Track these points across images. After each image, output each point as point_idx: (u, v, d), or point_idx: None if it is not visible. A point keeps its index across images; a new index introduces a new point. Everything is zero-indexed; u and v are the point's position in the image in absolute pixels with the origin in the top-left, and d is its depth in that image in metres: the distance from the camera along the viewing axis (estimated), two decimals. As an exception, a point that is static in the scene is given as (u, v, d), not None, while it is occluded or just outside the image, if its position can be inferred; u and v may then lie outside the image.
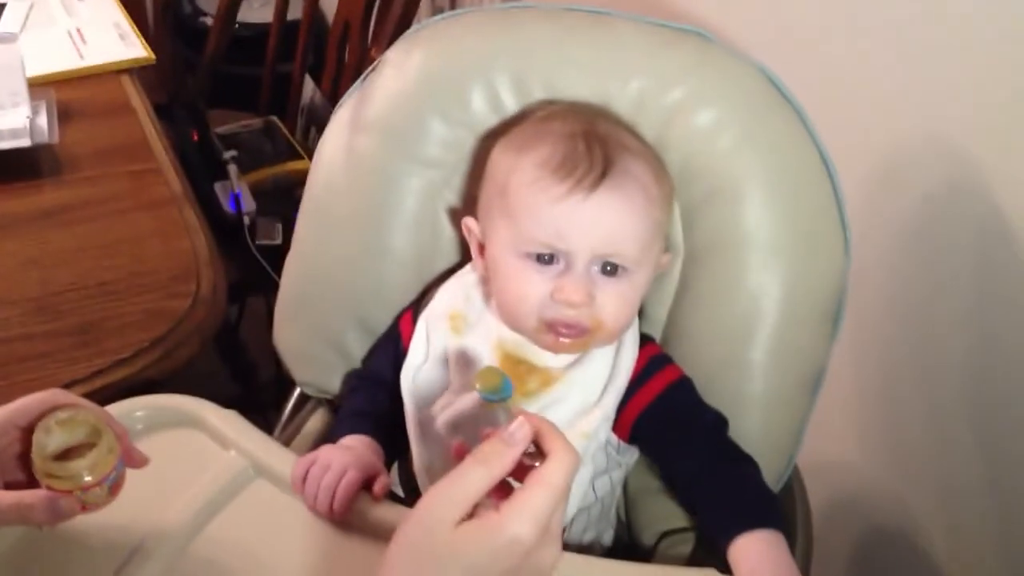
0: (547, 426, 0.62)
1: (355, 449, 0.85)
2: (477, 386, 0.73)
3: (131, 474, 0.79)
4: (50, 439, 0.71)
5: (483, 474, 0.60)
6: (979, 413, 1.00)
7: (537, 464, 0.61)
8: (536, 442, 0.62)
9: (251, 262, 1.60)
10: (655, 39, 0.88)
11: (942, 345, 1.02)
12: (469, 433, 0.86)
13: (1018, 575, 1.00)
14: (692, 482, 0.85)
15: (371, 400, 0.93)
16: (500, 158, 0.86)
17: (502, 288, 0.85)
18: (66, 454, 0.72)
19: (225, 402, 1.59)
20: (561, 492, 0.60)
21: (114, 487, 0.73)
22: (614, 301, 0.81)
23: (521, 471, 0.61)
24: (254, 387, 1.80)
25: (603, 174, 0.79)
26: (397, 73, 0.93)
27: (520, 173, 0.82)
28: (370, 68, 0.96)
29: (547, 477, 0.59)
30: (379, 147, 0.93)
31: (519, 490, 0.60)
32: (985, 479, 1.00)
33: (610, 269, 0.81)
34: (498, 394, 0.77)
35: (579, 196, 0.79)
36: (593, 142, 0.81)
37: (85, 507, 0.72)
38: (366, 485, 0.82)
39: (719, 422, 0.86)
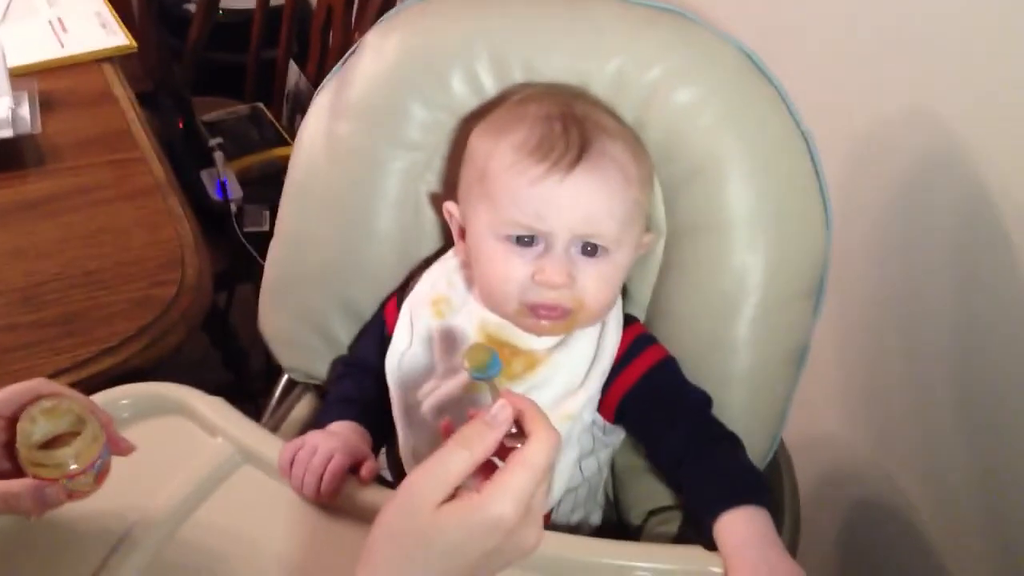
0: (529, 406, 0.62)
1: (342, 434, 0.86)
2: (465, 363, 0.73)
3: (118, 462, 0.80)
4: (35, 428, 0.72)
5: (465, 456, 0.60)
6: (963, 387, 1.00)
7: (519, 445, 0.61)
8: (518, 423, 0.62)
9: (239, 249, 1.60)
10: (634, 18, 0.88)
11: (925, 321, 1.03)
12: (455, 417, 0.86)
13: (1004, 545, 1.00)
14: (677, 461, 0.85)
15: (358, 386, 0.93)
16: (478, 142, 0.86)
17: (483, 272, 0.85)
18: (51, 443, 0.72)
19: (216, 389, 1.60)
20: (542, 472, 0.60)
21: (100, 475, 0.74)
22: (595, 282, 0.82)
23: (504, 452, 0.61)
24: (245, 374, 1.80)
25: (580, 155, 0.79)
26: (376, 56, 0.93)
27: (498, 157, 0.82)
28: (349, 52, 0.96)
29: (528, 457, 0.60)
30: (360, 131, 0.93)
31: (500, 471, 0.60)
32: (970, 452, 1.01)
33: (590, 249, 0.81)
34: (486, 371, 0.77)
35: (557, 177, 0.79)
36: (570, 123, 0.81)
37: (71, 495, 0.72)
38: (353, 469, 0.82)
39: (703, 401, 0.87)
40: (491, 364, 0.75)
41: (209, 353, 1.82)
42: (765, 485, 0.84)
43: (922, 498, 1.09)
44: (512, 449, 0.61)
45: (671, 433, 0.85)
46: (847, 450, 1.17)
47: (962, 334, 0.99)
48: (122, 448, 0.77)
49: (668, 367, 0.87)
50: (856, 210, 1.05)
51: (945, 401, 1.02)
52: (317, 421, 0.92)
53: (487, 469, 0.62)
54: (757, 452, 0.90)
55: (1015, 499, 0.97)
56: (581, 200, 0.80)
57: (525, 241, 0.81)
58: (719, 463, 0.83)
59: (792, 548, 0.91)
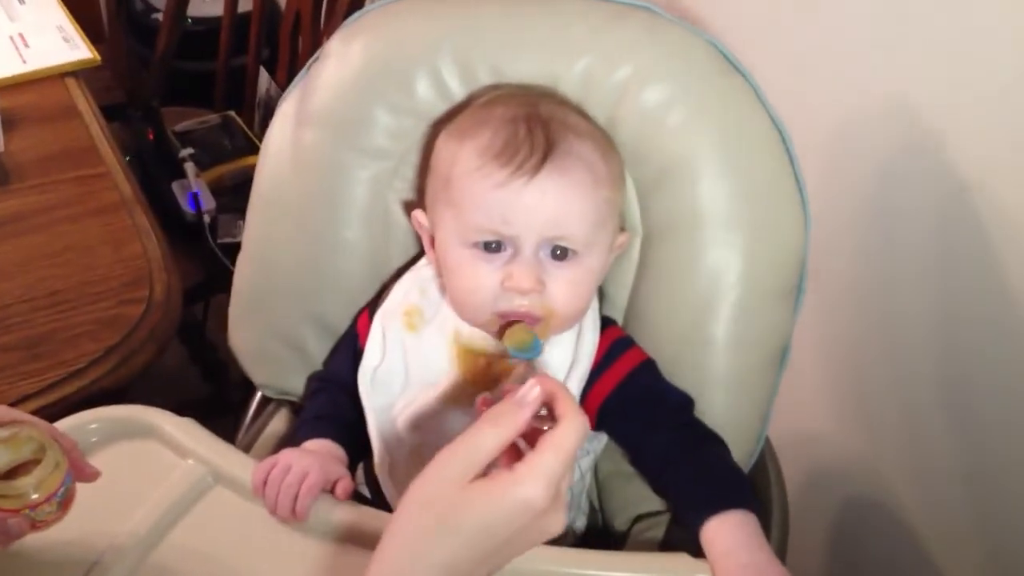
0: (560, 390, 0.63)
1: (316, 452, 0.84)
2: (507, 344, 0.73)
3: (87, 488, 0.78)
4: None
5: (495, 434, 0.61)
6: (945, 381, 0.99)
7: (546, 428, 0.62)
8: (547, 405, 0.63)
9: (214, 260, 1.57)
10: (601, 15, 0.86)
11: (907, 316, 1.02)
12: (433, 432, 0.84)
13: (992, 539, 1.00)
14: (661, 466, 0.83)
15: (332, 402, 0.91)
16: (443, 147, 0.84)
17: (452, 282, 0.83)
18: (14, 472, 0.70)
19: (196, 403, 1.58)
20: (571, 456, 0.61)
21: (64, 503, 0.72)
22: (565, 287, 0.80)
23: (532, 434, 0.62)
24: (225, 386, 1.78)
25: (545, 156, 0.78)
26: (339, 63, 0.91)
27: (462, 162, 0.80)
28: (312, 59, 0.94)
29: (559, 440, 0.60)
30: (325, 139, 0.91)
31: (531, 453, 0.60)
32: (955, 445, 1.00)
33: (560, 253, 0.80)
34: (529, 352, 0.77)
35: (522, 179, 0.77)
36: (535, 125, 0.79)
37: (35, 525, 0.70)
38: (328, 488, 0.81)
39: (685, 402, 0.85)
40: (533, 346, 0.75)
41: (188, 367, 1.80)
42: (751, 488, 0.82)
43: (910, 494, 1.08)
44: (539, 431, 0.62)
45: (654, 437, 0.83)
46: (834, 448, 1.16)
47: (943, 328, 0.98)
48: (87, 474, 0.76)
49: (647, 370, 0.86)
50: (835, 205, 1.04)
51: (929, 395, 1.01)
52: (292, 439, 0.90)
53: (512, 451, 0.62)
54: (741, 453, 0.89)
55: (1002, 493, 0.97)
56: (548, 202, 0.78)
57: (492, 247, 0.80)
58: (704, 466, 0.81)
59: (781, 549, 0.90)
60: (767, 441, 0.94)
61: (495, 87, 0.88)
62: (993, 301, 0.91)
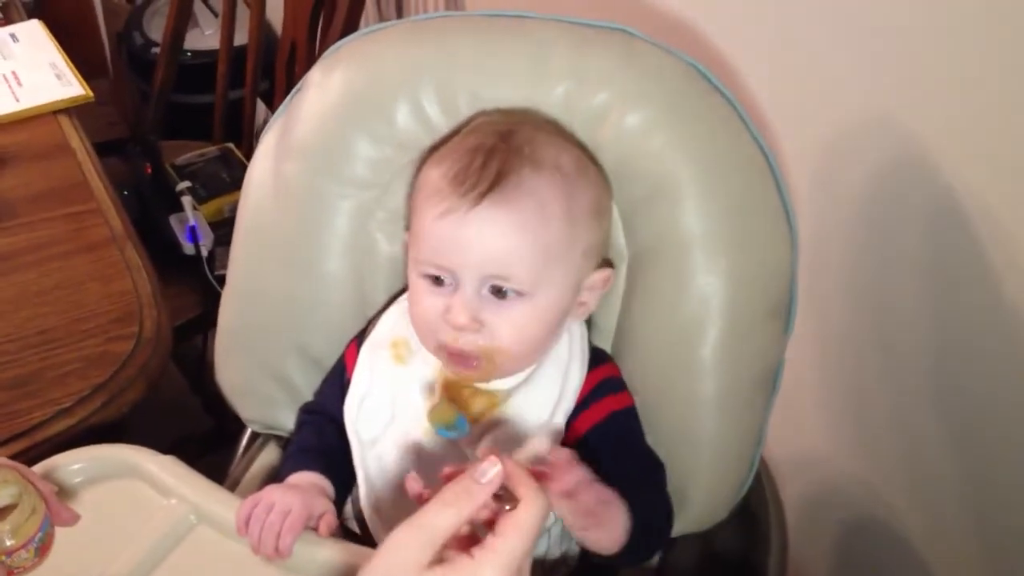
0: (515, 468, 0.61)
1: (300, 487, 0.83)
2: (431, 422, 0.71)
3: (69, 531, 0.77)
4: None
5: (452, 514, 0.58)
6: (942, 395, 0.98)
7: (508, 507, 0.59)
8: (504, 484, 0.61)
9: (212, 293, 1.57)
10: (577, 39, 0.85)
11: (902, 329, 1.00)
12: (419, 466, 0.83)
13: (994, 557, 0.98)
14: None
15: (318, 434, 0.90)
16: (420, 171, 0.84)
17: (410, 309, 0.83)
18: None
19: (197, 435, 1.57)
20: (533, 536, 0.59)
21: (42, 548, 0.71)
22: (507, 326, 0.78)
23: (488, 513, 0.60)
24: (226, 418, 1.77)
25: (489, 189, 0.76)
26: (319, 94, 0.90)
27: (421, 189, 0.80)
28: (294, 90, 0.93)
29: (521, 522, 0.58)
30: (306, 171, 0.90)
31: (491, 536, 0.58)
32: (955, 464, 0.99)
33: (501, 292, 0.78)
34: (453, 430, 0.75)
35: (460, 213, 0.76)
36: (495, 155, 0.78)
37: (11, 572, 0.70)
38: (313, 523, 0.79)
39: (655, 468, 0.84)
40: (456, 424, 0.74)
41: (189, 399, 1.80)
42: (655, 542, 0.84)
43: (910, 515, 1.06)
44: (497, 510, 0.60)
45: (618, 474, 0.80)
46: (833, 470, 1.15)
47: (938, 342, 0.96)
48: (66, 518, 0.75)
49: (621, 420, 0.84)
50: (826, 224, 1.03)
51: (927, 414, 1.00)
52: (278, 474, 0.89)
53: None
54: (734, 478, 0.88)
55: (1003, 510, 0.95)
56: (485, 238, 0.76)
57: (438, 280, 0.79)
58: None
59: (780, 572, 0.89)
60: (764, 463, 0.93)
61: (486, 112, 0.87)
62: (989, 315, 0.90)
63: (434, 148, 0.87)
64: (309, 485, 0.84)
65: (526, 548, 0.58)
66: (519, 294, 0.78)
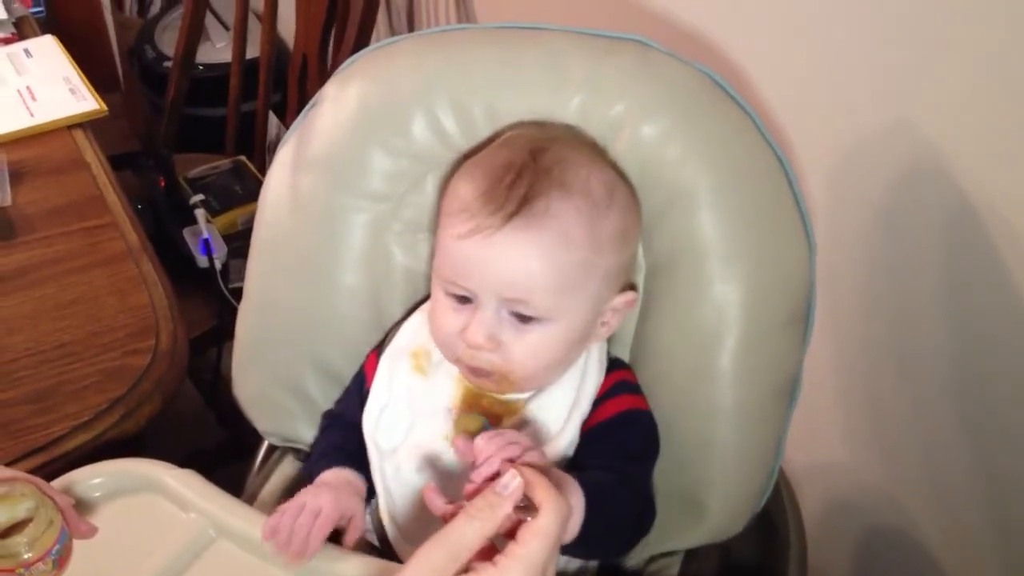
0: (533, 475, 0.62)
1: (331, 485, 0.83)
2: (458, 431, 0.71)
3: (89, 544, 0.77)
4: None
5: (476, 528, 0.60)
6: (961, 403, 0.98)
7: (529, 518, 0.61)
8: (525, 493, 0.62)
9: (226, 306, 1.57)
10: (593, 50, 0.85)
11: (919, 337, 1.00)
12: (437, 476, 0.83)
13: (1012, 560, 0.97)
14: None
15: (343, 437, 0.90)
16: (450, 181, 0.84)
17: (430, 320, 0.83)
18: (8, 531, 0.70)
19: (212, 448, 1.58)
20: (555, 541, 0.60)
21: (60, 560, 0.71)
22: (524, 349, 0.78)
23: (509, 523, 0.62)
24: (241, 431, 1.77)
25: (515, 212, 0.75)
26: (334, 107, 0.91)
27: (448, 203, 0.80)
28: (309, 104, 0.94)
29: (542, 528, 0.60)
30: (322, 184, 0.90)
31: (513, 543, 0.60)
32: (971, 468, 0.98)
33: (520, 317, 0.78)
34: None
35: (484, 234, 0.76)
36: (523, 175, 0.77)
37: None
38: (337, 534, 0.80)
39: (633, 465, 0.83)
40: (484, 430, 0.74)
41: (203, 412, 1.80)
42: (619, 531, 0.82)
43: (928, 522, 1.06)
44: (518, 521, 0.61)
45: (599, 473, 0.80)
46: (851, 478, 1.14)
47: (955, 349, 0.96)
48: (83, 531, 0.75)
49: (638, 421, 0.84)
50: (843, 231, 1.03)
51: (945, 421, 0.99)
52: (308, 476, 0.89)
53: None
54: (753, 488, 0.87)
55: (1021, 512, 0.94)
56: (508, 263, 0.76)
57: (459, 298, 0.79)
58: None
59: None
60: (782, 472, 0.92)
61: (523, 124, 0.86)
62: (1007, 322, 0.90)
63: (467, 156, 0.87)
64: (343, 483, 0.84)
65: (548, 553, 0.59)
66: (537, 319, 0.78)
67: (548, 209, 0.76)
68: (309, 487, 0.82)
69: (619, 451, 0.82)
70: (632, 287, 0.86)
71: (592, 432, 0.83)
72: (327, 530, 0.78)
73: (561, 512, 0.61)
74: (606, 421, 0.83)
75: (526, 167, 0.78)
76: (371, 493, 0.88)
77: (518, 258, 0.76)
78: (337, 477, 0.85)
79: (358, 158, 0.89)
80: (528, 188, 0.76)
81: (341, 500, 0.80)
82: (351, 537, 0.81)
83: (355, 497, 0.83)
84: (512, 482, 0.62)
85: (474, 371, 0.81)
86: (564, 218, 0.76)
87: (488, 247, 0.76)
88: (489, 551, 0.61)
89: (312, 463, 0.91)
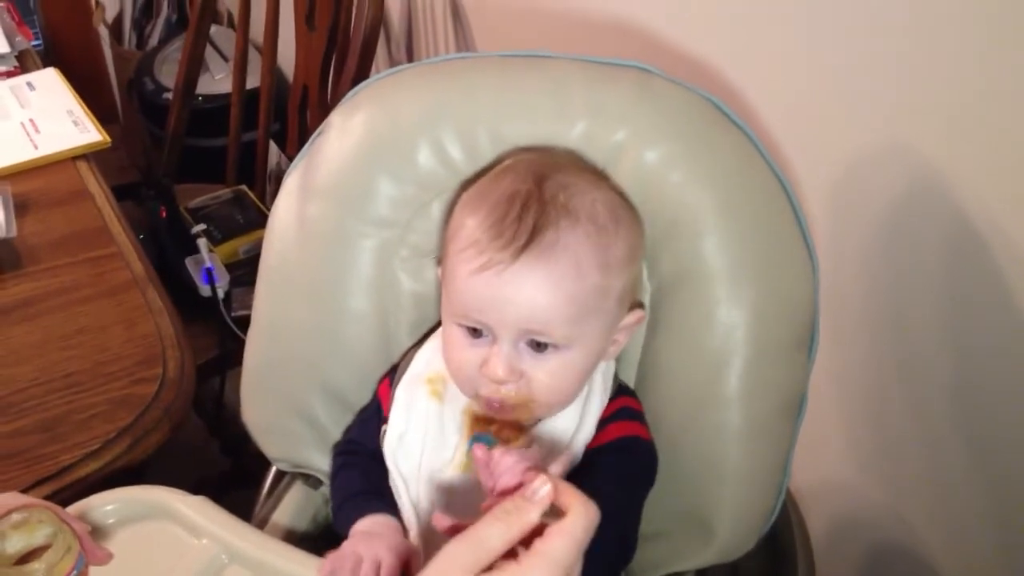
0: (562, 482, 0.61)
1: (380, 533, 0.82)
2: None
3: (104, 571, 0.78)
4: (7, 544, 0.71)
5: (503, 529, 0.59)
6: (965, 419, 0.98)
7: (552, 523, 0.60)
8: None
9: (229, 334, 1.58)
10: (595, 77, 0.86)
11: (922, 353, 1.01)
12: (451, 501, 0.84)
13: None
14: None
15: (366, 475, 0.89)
16: (453, 214, 0.84)
17: (445, 355, 0.84)
18: (29, 556, 0.71)
19: (216, 476, 1.57)
20: (581, 544, 0.59)
21: None
22: (545, 377, 0.79)
23: (536, 530, 0.61)
24: (244, 459, 1.78)
25: (526, 244, 0.76)
26: (341, 136, 0.92)
27: (457, 239, 0.80)
28: (315, 134, 0.95)
29: (568, 527, 0.59)
30: (329, 212, 0.91)
31: (538, 540, 0.59)
32: (978, 484, 0.99)
33: (538, 346, 0.78)
34: None
35: (495, 270, 0.76)
36: (530, 205, 0.77)
37: None
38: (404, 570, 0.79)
39: (635, 502, 0.84)
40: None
41: (207, 441, 1.80)
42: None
43: (935, 540, 1.06)
44: (544, 526, 0.60)
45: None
46: (857, 496, 1.15)
47: (957, 367, 0.97)
48: (99, 557, 0.76)
49: (634, 445, 0.84)
50: (844, 252, 1.04)
51: (950, 438, 1.00)
52: (340, 527, 0.87)
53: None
54: (761, 509, 0.88)
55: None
56: (524, 297, 0.76)
57: (474, 332, 0.79)
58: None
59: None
60: (788, 490, 0.92)
61: (522, 149, 0.87)
62: (1010, 338, 0.91)
63: (468, 183, 0.88)
64: (386, 529, 0.83)
65: (574, 555, 0.58)
66: (556, 347, 0.78)
67: (558, 240, 0.76)
68: (357, 538, 0.82)
69: (615, 475, 0.82)
70: (640, 304, 0.87)
71: (590, 453, 0.83)
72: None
73: (589, 516, 0.59)
74: (605, 444, 0.83)
75: (531, 196, 0.78)
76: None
77: (533, 292, 0.76)
78: (377, 524, 0.84)
79: (364, 185, 0.90)
80: (536, 219, 0.76)
81: (395, 543, 0.80)
82: (416, 568, 0.79)
83: (403, 537, 0.83)
84: (542, 488, 0.60)
85: (494, 405, 0.80)
86: (574, 247, 0.77)
87: (502, 283, 0.76)
88: (512, 555, 0.60)
89: (341, 507, 0.90)
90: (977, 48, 0.85)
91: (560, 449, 0.82)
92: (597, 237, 0.78)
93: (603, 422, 0.84)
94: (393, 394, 0.89)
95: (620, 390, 0.87)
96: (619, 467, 0.83)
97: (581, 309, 0.78)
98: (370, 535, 0.82)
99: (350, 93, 0.94)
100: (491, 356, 0.78)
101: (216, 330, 1.59)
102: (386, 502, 0.86)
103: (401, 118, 0.90)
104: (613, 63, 0.88)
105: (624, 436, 0.84)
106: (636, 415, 0.86)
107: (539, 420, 0.84)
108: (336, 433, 0.95)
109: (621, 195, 0.84)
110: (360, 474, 0.90)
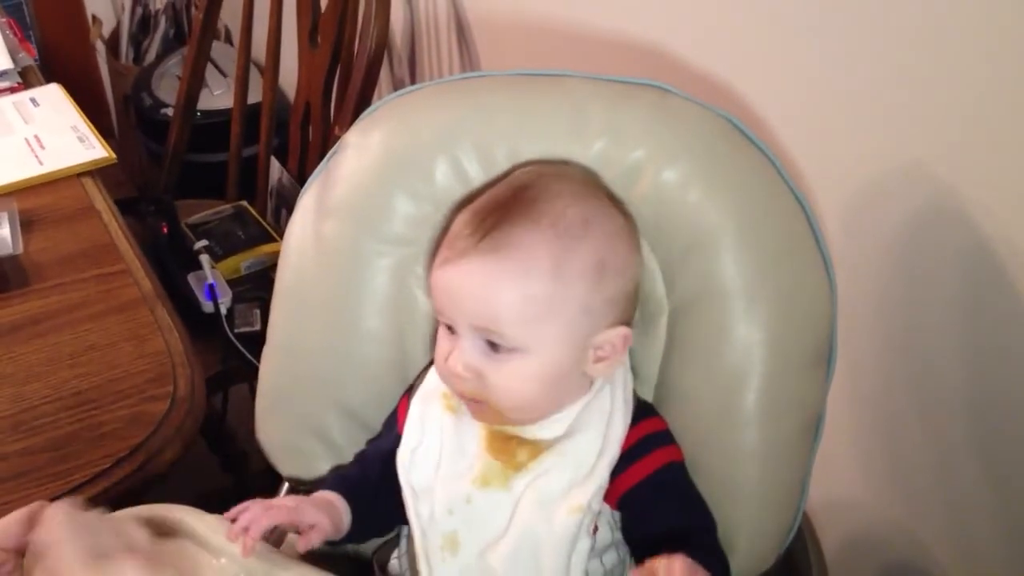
0: None
1: (300, 498, 0.84)
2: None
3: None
4: None
5: None
6: (978, 438, 0.98)
7: None
8: None
9: (231, 350, 1.57)
10: (612, 96, 0.87)
11: (936, 373, 1.01)
12: (464, 516, 0.83)
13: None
14: (663, 540, 0.77)
15: (360, 466, 0.90)
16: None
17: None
18: None
19: (217, 493, 1.56)
20: None
21: None
22: (501, 380, 0.79)
23: None
24: (246, 476, 1.77)
25: (480, 239, 0.77)
26: (358, 154, 0.92)
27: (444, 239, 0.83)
28: (331, 152, 0.95)
29: None
30: (345, 230, 0.91)
31: None
32: (992, 504, 0.99)
33: (494, 346, 0.79)
34: None
35: (454, 263, 0.78)
36: (501, 207, 0.79)
37: None
38: (303, 528, 0.81)
39: (710, 525, 0.83)
40: None
41: (208, 458, 1.79)
42: None
43: (949, 558, 1.06)
44: None
45: (673, 524, 0.81)
46: (870, 514, 1.15)
47: (975, 386, 0.97)
48: None
49: (676, 470, 0.84)
50: (859, 270, 1.04)
51: (963, 456, 1.00)
52: None
53: None
54: (779, 527, 0.87)
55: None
56: (473, 291, 0.77)
57: (450, 328, 0.81)
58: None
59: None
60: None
61: (529, 162, 0.88)
62: (1022, 358, 0.91)
63: (473, 196, 0.88)
64: (318, 499, 0.84)
65: None
66: (511, 349, 0.78)
67: (510, 239, 0.77)
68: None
69: (694, 503, 0.83)
70: (627, 323, 0.85)
71: (643, 488, 0.82)
72: (271, 521, 0.78)
73: None
74: (655, 474, 0.82)
75: (507, 201, 0.80)
76: (384, 522, 0.90)
77: (480, 286, 0.77)
78: (316, 496, 0.85)
79: (381, 203, 0.90)
80: (498, 219, 0.78)
81: (301, 508, 0.81)
82: (305, 540, 0.81)
83: (320, 512, 0.83)
84: None
85: (466, 400, 0.82)
86: (527, 246, 0.77)
87: (458, 275, 0.78)
88: None
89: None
90: (993, 65, 0.86)
91: (584, 472, 0.81)
92: (555, 240, 0.78)
93: (636, 449, 0.83)
94: (409, 408, 0.89)
95: (642, 410, 0.87)
96: (692, 496, 0.83)
97: (531, 312, 0.77)
98: (291, 496, 0.85)
99: (368, 111, 0.94)
100: (452, 351, 0.80)
101: (218, 347, 1.59)
102: (357, 491, 0.86)
103: (419, 136, 0.90)
104: (630, 82, 0.88)
105: (673, 462, 0.84)
106: (668, 437, 0.86)
107: (555, 438, 0.83)
108: (351, 452, 0.94)
109: (613, 207, 0.83)
110: (355, 464, 0.91)
